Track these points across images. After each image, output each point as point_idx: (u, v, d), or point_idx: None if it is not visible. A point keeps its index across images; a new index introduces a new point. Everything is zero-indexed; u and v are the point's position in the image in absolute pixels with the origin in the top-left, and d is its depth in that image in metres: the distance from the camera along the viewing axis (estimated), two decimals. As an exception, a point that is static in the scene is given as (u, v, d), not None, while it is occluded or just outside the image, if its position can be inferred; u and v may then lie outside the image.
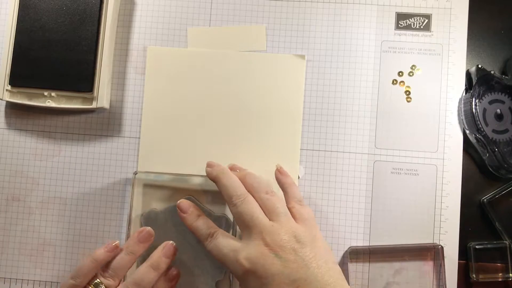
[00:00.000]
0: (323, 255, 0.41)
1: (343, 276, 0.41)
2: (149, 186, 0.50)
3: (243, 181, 0.45)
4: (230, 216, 0.49)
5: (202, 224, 0.45)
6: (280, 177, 0.47)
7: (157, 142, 0.52)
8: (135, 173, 0.50)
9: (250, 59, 0.53)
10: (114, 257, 0.45)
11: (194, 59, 0.53)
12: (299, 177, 0.51)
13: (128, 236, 0.48)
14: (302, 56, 0.52)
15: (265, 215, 0.42)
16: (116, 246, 0.45)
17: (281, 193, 0.46)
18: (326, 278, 0.39)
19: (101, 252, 0.45)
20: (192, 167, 0.51)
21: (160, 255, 0.45)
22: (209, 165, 0.46)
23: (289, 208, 0.44)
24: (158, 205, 0.50)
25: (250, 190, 0.44)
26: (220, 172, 0.45)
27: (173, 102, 0.52)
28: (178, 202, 0.46)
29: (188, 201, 0.47)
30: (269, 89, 0.52)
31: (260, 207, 0.43)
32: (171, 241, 0.46)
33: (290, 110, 0.52)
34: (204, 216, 0.46)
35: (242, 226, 0.42)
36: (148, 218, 0.49)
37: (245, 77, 0.52)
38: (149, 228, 0.46)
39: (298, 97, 0.52)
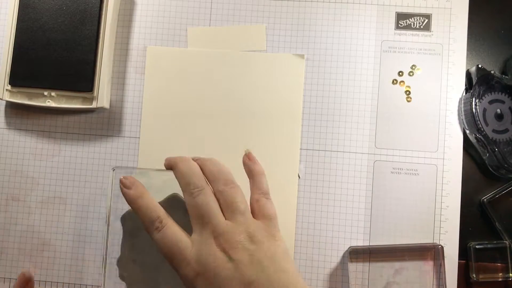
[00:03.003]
0: (281, 257, 0.38)
1: (302, 280, 0.38)
2: None
3: (203, 169, 0.41)
4: None
5: (148, 204, 0.40)
6: (248, 163, 0.43)
7: (157, 142, 0.52)
8: (114, 169, 0.45)
9: (250, 58, 0.53)
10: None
11: (193, 59, 0.53)
12: (299, 177, 0.51)
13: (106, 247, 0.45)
14: (302, 56, 0.52)
15: (222, 210, 0.39)
16: (24, 275, 0.49)
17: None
18: (283, 281, 0.36)
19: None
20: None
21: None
22: (167, 159, 0.43)
23: (253, 201, 0.41)
24: None
25: (209, 179, 0.40)
26: (179, 159, 0.41)
27: (173, 102, 0.52)
28: (121, 177, 0.41)
29: (133, 178, 0.41)
30: (269, 88, 0.52)
31: (218, 200, 0.39)
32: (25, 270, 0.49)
33: (290, 109, 0.52)
34: (152, 198, 0.41)
35: (194, 220, 0.38)
36: (126, 219, 0.46)
37: (244, 77, 0.52)
38: (25, 270, 0.49)
39: (297, 96, 0.52)
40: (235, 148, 0.52)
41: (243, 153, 0.45)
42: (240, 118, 0.52)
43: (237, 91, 0.52)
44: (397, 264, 0.50)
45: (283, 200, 0.51)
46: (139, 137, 0.53)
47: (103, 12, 0.51)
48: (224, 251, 0.37)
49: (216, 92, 0.52)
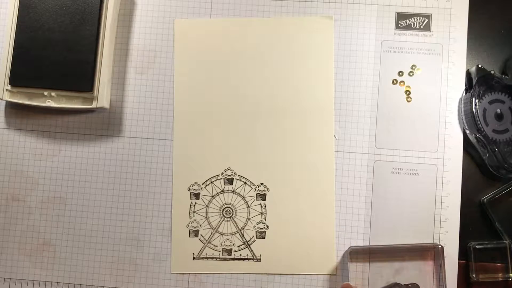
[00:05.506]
0: None
1: None
2: None
3: None
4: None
5: None
6: None
7: (191, 114, 0.52)
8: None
9: (276, 23, 0.53)
10: None
11: (220, 29, 0.53)
12: (336, 138, 0.51)
13: None
14: (330, 17, 0.52)
15: None
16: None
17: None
18: None
19: None
20: (227, 142, 0.52)
21: None
22: None
23: None
24: None
25: None
26: None
27: (203, 74, 0.53)
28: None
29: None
30: (299, 52, 0.52)
31: None
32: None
33: (322, 71, 0.52)
34: None
35: None
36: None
37: (273, 44, 0.53)
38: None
39: (328, 57, 0.52)
40: (269, 112, 0.52)
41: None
42: (273, 82, 0.52)
43: (268, 57, 0.52)
44: (397, 264, 0.50)
45: (320, 166, 0.51)
46: (139, 137, 0.53)
47: (103, 12, 0.51)
48: None
49: (245, 58, 0.52)
